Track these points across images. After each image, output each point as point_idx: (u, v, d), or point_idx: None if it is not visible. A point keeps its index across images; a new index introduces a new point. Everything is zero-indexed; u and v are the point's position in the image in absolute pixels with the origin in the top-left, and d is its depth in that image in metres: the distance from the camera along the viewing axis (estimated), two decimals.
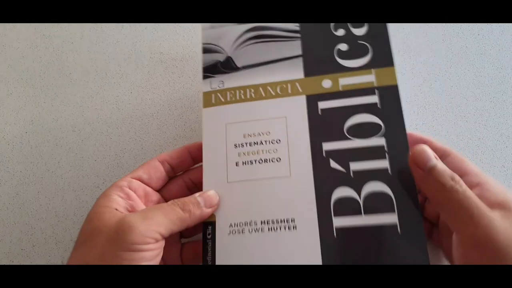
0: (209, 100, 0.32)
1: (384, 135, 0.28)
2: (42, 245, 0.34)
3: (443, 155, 0.27)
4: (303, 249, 0.27)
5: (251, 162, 0.30)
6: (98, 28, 0.42)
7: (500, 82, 0.40)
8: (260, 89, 0.31)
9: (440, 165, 0.25)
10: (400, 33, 0.42)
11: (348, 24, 0.32)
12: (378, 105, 0.29)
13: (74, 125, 0.38)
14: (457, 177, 0.24)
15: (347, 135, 0.29)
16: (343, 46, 0.32)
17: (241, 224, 0.28)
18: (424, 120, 0.38)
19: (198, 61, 0.41)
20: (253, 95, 0.31)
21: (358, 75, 0.31)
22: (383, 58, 0.31)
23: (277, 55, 0.32)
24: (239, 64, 0.33)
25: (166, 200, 0.31)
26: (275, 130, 0.30)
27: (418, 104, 0.39)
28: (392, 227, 0.26)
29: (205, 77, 0.33)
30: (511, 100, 0.39)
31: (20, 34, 0.42)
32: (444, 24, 0.43)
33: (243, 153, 0.30)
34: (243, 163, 0.30)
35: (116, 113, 0.39)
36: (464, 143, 0.38)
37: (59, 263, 0.33)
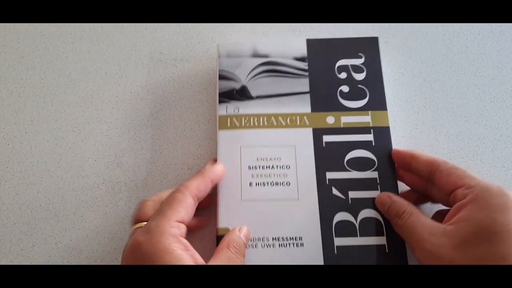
0: (225, 123, 0.35)
1: (377, 169, 0.33)
2: (42, 245, 0.34)
3: (431, 171, 0.30)
4: (309, 263, 0.31)
5: (264, 184, 0.33)
6: (98, 28, 0.42)
7: (500, 82, 0.40)
8: (272, 118, 0.35)
9: (392, 205, 0.31)
10: (400, 33, 0.42)
11: (350, 68, 0.37)
12: (373, 143, 0.34)
13: (74, 125, 0.38)
14: (400, 212, 0.30)
15: (347, 167, 0.33)
16: (345, 88, 0.36)
17: (254, 240, 0.31)
18: (424, 120, 0.38)
19: (198, 61, 0.41)
20: (265, 123, 0.35)
21: (357, 115, 0.35)
22: (378, 102, 0.36)
23: (287, 89, 0.36)
24: (253, 94, 0.36)
25: (188, 227, 0.30)
26: (285, 156, 0.34)
27: (418, 104, 0.39)
28: (381, 246, 0.31)
29: (221, 101, 0.36)
30: (511, 100, 0.39)
31: (20, 34, 0.42)
32: (444, 24, 0.43)
33: (256, 175, 0.33)
34: (256, 184, 0.33)
35: (116, 113, 0.39)
36: (464, 143, 0.38)
37: (59, 263, 0.33)
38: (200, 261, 0.27)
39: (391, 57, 0.41)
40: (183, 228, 0.28)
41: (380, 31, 0.42)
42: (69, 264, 0.33)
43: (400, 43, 0.42)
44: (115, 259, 0.33)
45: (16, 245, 0.34)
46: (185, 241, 0.27)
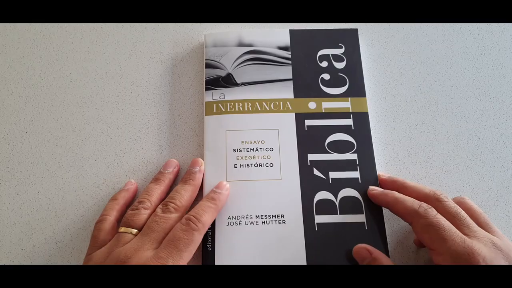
0: (211, 109, 0.37)
1: (356, 152, 0.35)
2: (42, 245, 0.34)
3: (409, 222, 0.31)
4: (290, 239, 0.32)
5: (248, 165, 0.35)
6: (98, 28, 0.42)
7: (500, 82, 0.40)
8: (257, 103, 0.37)
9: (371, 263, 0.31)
10: (400, 33, 0.42)
11: (331, 57, 0.39)
12: (352, 127, 0.36)
13: (74, 125, 0.38)
14: None
15: (328, 149, 0.35)
16: (326, 76, 0.38)
17: (238, 217, 0.33)
18: (424, 120, 0.38)
19: (198, 61, 0.41)
20: (250, 108, 0.37)
21: (337, 101, 0.37)
22: (357, 89, 0.38)
23: (271, 76, 0.38)
24: (238, 81, 0.38)
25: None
26: (269, 139, 0.35)
27: (418, 104, 0.39)
28: (361, 224, 0.33)
29: (207, 88, 0.38)
30: (511, 100, 0.39)
31: (20, 34, 0.42)
32: (444, 24, 0.43)
33: (241, 157, 0.35)
34: (240, 165, 0.35)
35: (116, 113, 0.39)
36: (464, 143, 0.38)
37: (59, 263, 0.33)
38: None
39: (390, 57, 0.41)
40: None
41: (380, 31, 0.42)
42: (69, 264, 0.33)
43: (400, 43, 0.42)
44: None
45: (16, 245, 0.34)
46: None
